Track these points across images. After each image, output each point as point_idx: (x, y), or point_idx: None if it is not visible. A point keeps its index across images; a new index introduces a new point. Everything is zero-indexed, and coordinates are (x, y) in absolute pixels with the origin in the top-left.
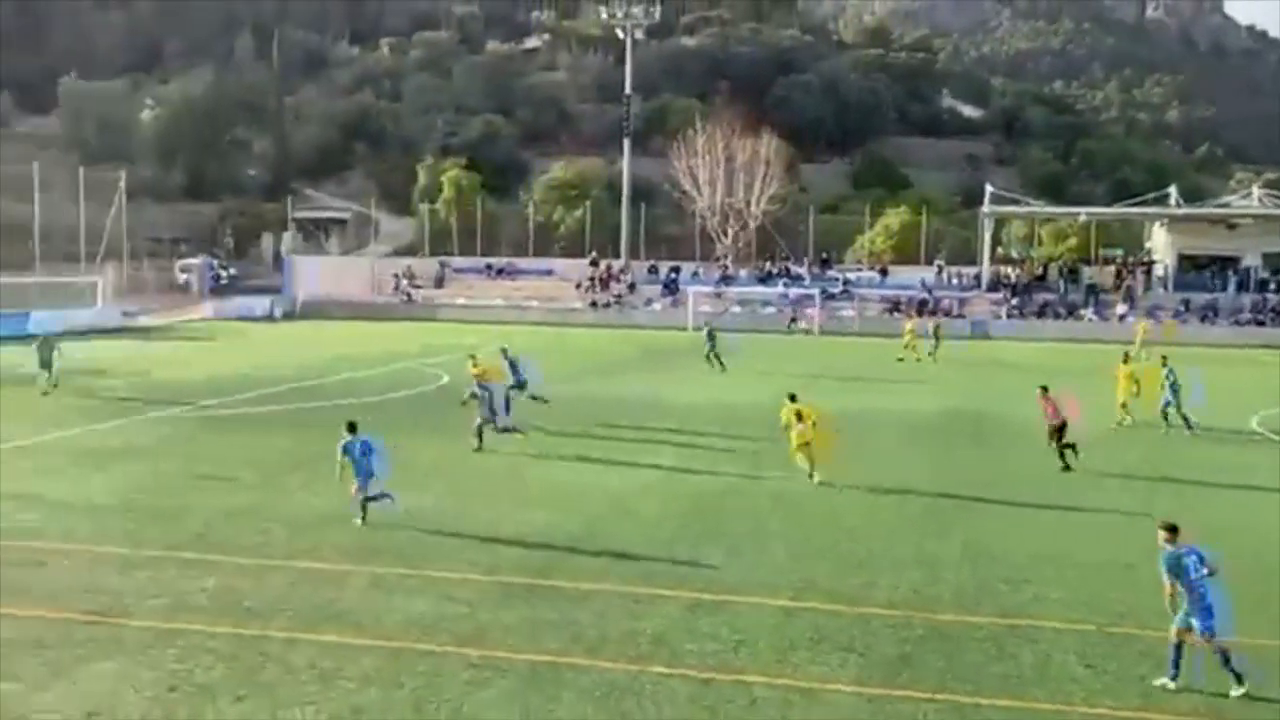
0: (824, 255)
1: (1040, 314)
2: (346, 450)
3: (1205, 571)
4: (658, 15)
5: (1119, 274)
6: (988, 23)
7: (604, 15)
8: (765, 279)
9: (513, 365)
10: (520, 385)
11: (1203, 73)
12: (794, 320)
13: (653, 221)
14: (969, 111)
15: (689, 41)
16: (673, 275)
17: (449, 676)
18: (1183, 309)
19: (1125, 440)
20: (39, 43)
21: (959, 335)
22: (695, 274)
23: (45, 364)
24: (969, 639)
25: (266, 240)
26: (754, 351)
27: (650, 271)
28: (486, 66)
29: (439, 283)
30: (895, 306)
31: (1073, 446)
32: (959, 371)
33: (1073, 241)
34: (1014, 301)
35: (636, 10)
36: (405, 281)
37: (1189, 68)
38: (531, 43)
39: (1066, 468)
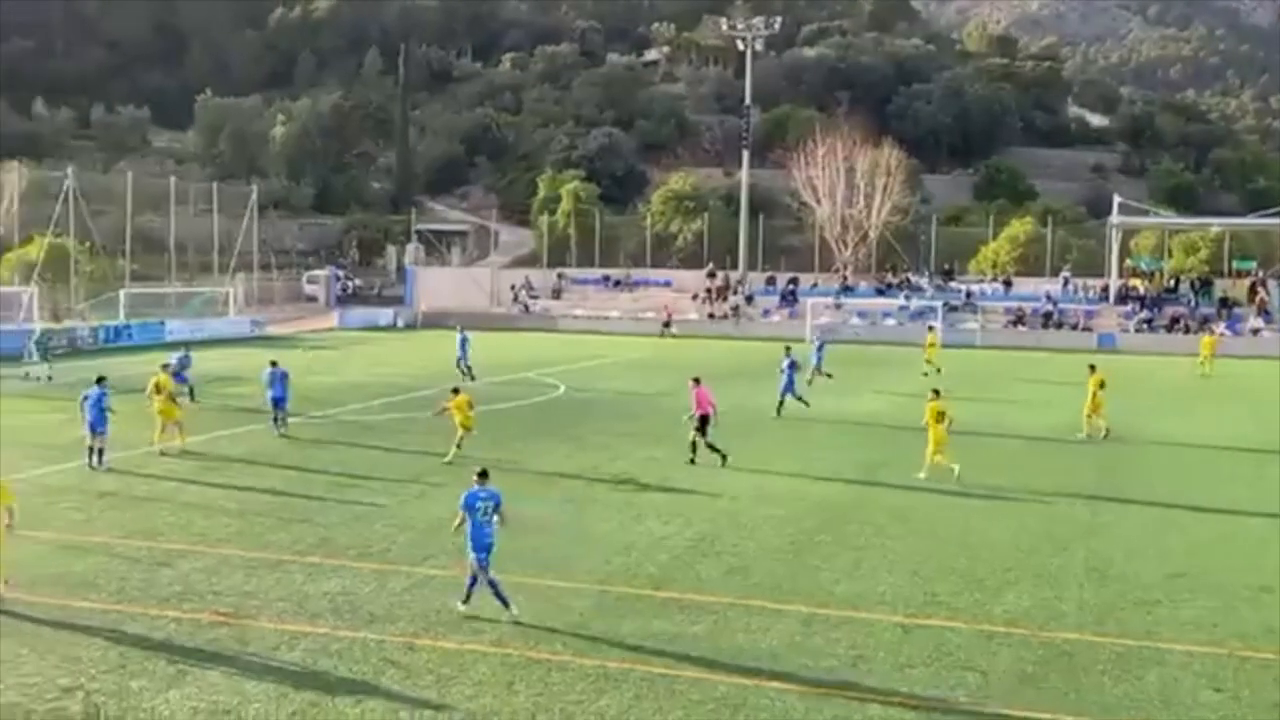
0: (946, 266)
1: (1170, 328)
2: (468, 505)
3: None
4: (778, 26)
5: (1253, 287)
6: (1117, 30)
7: (724, 27)
8: (885, 290)
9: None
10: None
11: None
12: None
13: (771, 233)
14: (1096, 120)
15: (809, 52)
16: (791, 286)
17: (563, 686)
18: None
19: (1266, 460)
20: (177, 61)
21: (1085, 349)
22: (814, 285)
23: (44, 357)
24: (1092, 659)
25: (390, 252)
26: (873, 363)
27: (768, 283)
28: (606, 79)
29: (556, 294)
30: (1019, 319)
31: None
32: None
33: (1204, 253)
34: (1143, 315)
35: (757, 21)
36: (523, 293)
37: None
38: (651, 55)
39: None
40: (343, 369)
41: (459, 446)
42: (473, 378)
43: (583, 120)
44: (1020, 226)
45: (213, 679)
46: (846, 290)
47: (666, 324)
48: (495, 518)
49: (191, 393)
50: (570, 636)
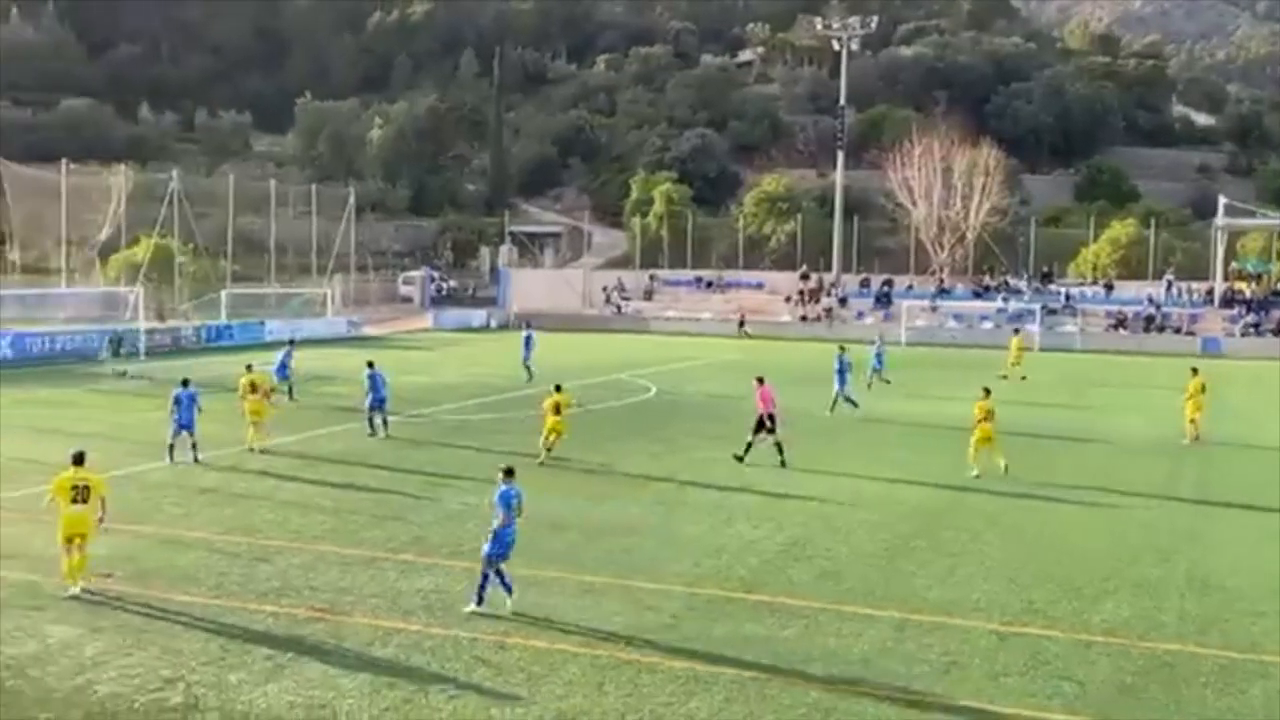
0: (1045, 269)
1: (1278, 332)
2: (504, 503)
3: None
4: (874, 26)
5: None
6: (1224, 26)
7: (819, 27)
8: (983, 293)
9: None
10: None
11: None
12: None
13: (865, 234)
14: (1202, 120)
15: (906, 51)
16: (885, 288)
17: (653, 687)
18: None
19: None
20: (278, 66)
21: (1188, 353)
22: (909, 287)
23: (115, 352)
24: (1194, 671)
25: (484, 253)
26: (969, 366)
27: (862, 285)
28: (700, 80)
29: (648, 295)
30: (1120, 323)
31: None
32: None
33: None
34: (1249, 319)
35: (853, 21)
36: (615, 294)
37: None
38: (745, 55)
39: None
40: (437, 369)
41: (549, 449)
42: (530, 377)
43: (676, 121)
44: (1122, 228)
45: (309, 673)
46: (942, 293)
47: (741, 323)
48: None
49: (290, 391)
50: (661, 638)
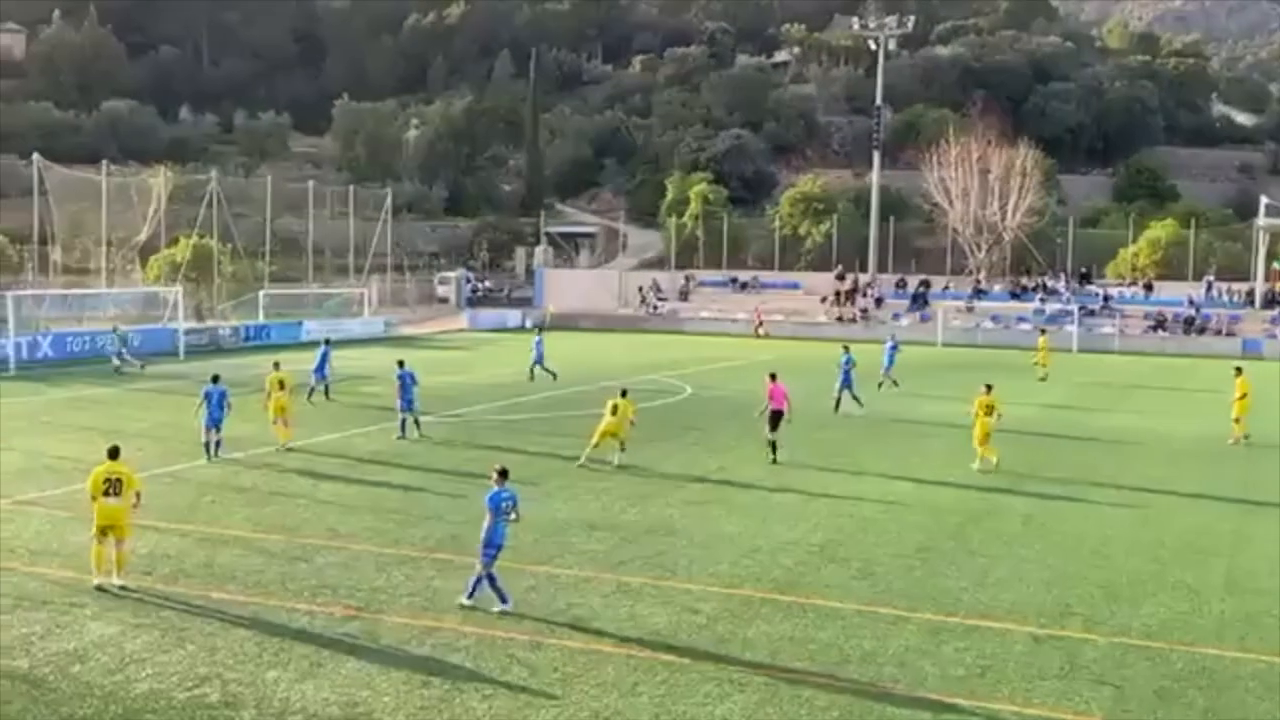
0: (1083, 270)
1: None
2: (493, 504)
3: None
4: (910, 25)
5: None
6: (1266, 25)
7: (855, 26)
8: (1020, 294)
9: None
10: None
11: None
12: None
13: (902, 235)
14: (1243, 119)
15: (943, 51)
16: (922, 289)
17: (688, 688)
18: None
19: None
20: (316, 68)
21: (1229, 355)
22: (946, 288)
23: (119, 353)
24: (1234, 676)
25: (519, 254)
26: (1005, 368)
27: (898, 286)
28: (735, 80)
29: (683, 296)
30: (1160, 324)
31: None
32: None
33: None
34: None
35: (889, 21)
36: (651, 294)
37: None
38: (781, 56)
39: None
40: (472, 369)
41: (596, 446)
42: (531, 378)
43: (711, 122)
44: (1162, 229)
45: (345, 671)
46: (979, 293)
47: (759, 325)
48: (512, 516)
49: (327, 391)
50: (695, 639)
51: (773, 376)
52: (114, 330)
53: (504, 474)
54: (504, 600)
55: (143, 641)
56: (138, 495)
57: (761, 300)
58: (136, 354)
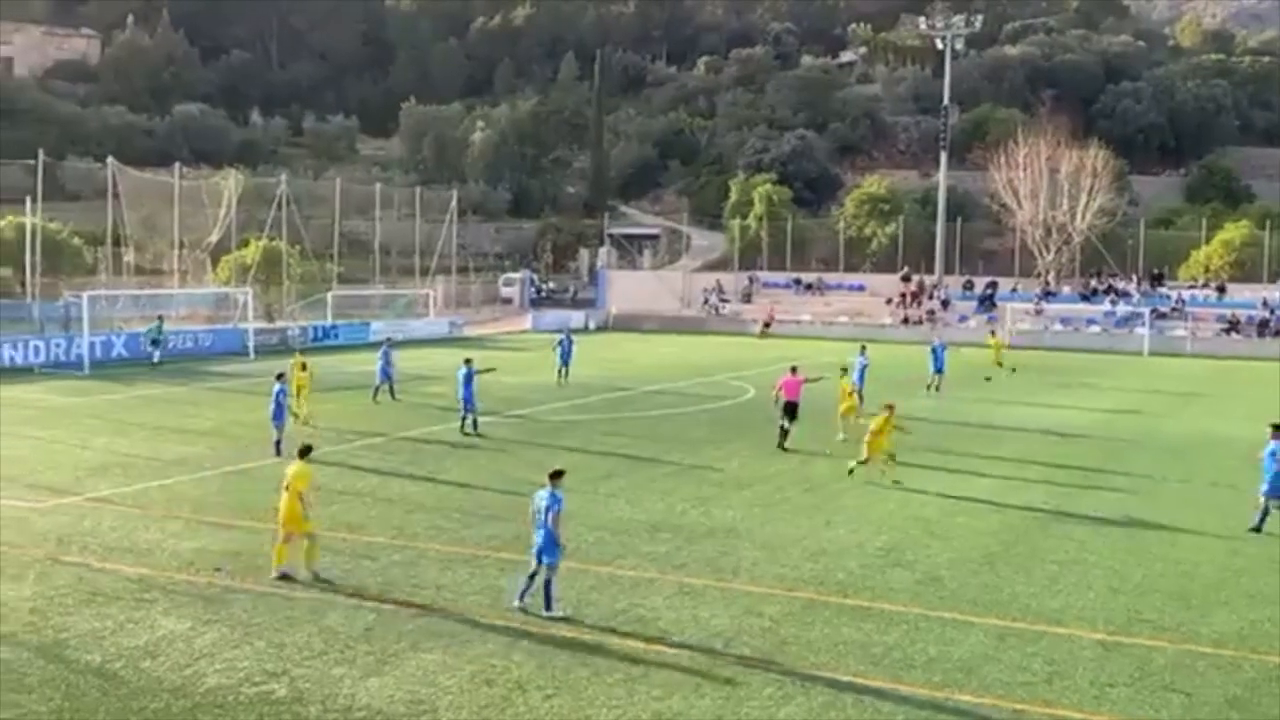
0: (1155, 271)
1: None
2: (537, 505)
3: None
4: (978, 25)
5: None
6: None
7: (923, 26)
8: (1089, 296)
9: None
10: None
11: None
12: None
13: (969, 236)
14: None
15: (1011, 50)
16: (989, 291)
17: (750, 690)
18: None
19: None
20: (383, 71)
21: None
22: (1014, 290)
23: (156, 343)
24: None
25: (583, 255)
26: (1074, 372)
27: (965, 287)
28: (800, 81)
29: (747, 297)
30: (1233, 326)
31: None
32: None
33: None
34: None
35: (957, 20)
36: (714, 296)
37: None
38: (847, 56)
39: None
40: (536, 370)
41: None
42: (560, 384)
43: (776, 123)
44: (1235, 230)
45: (409, 669)
46: (1048, 295)
47: (767, 324)
48: (549, 519)
49: (392, 390)
50: (758, 642)
51: (793, 370)
52: (159, 320)
53: (555, 475)
54: (520, 598)
55: (212, 637)
56: (300, 496)
57: (826, 301)
58: (168, 354)
